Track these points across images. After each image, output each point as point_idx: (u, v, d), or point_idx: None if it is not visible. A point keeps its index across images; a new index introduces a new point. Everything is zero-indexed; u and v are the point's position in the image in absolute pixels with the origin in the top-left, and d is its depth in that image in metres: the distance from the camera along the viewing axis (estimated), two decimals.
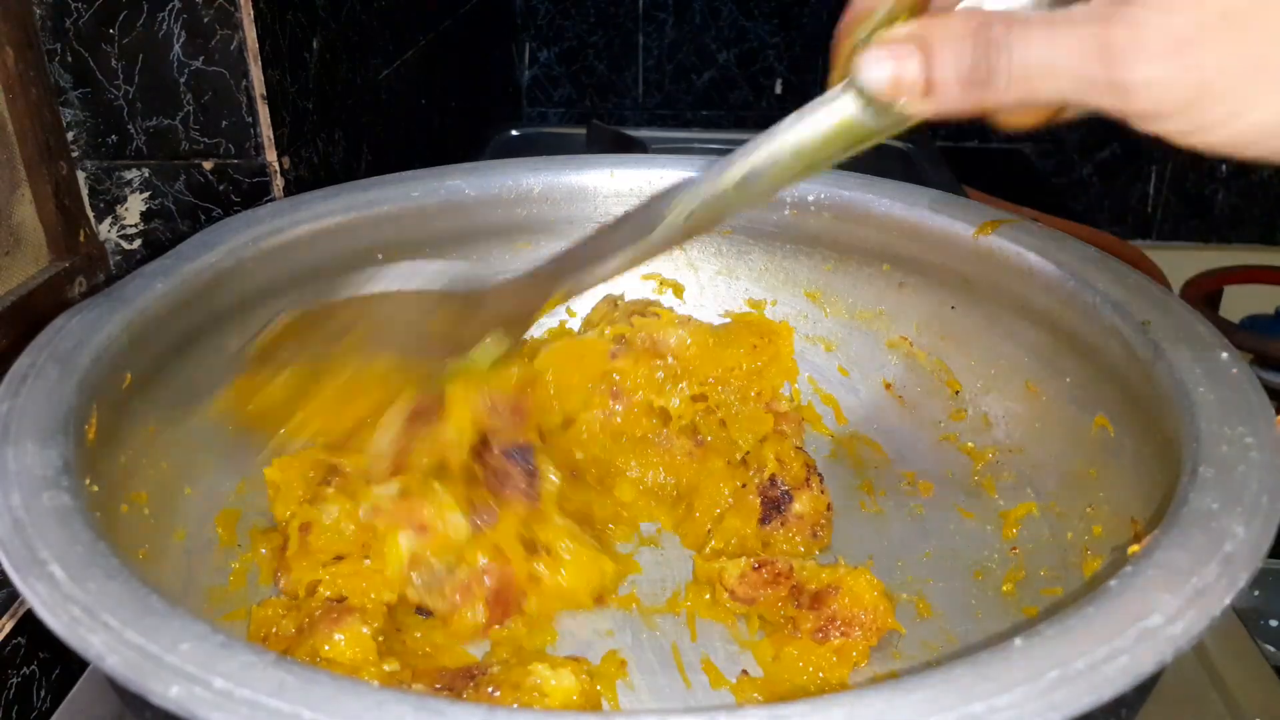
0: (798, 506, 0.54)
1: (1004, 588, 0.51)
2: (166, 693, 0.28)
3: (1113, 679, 0.29)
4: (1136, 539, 0.47)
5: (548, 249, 0.65)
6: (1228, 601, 0.32)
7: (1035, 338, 0.55)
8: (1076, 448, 0.52)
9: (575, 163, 0.64)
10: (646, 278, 0.66)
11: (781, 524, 0.54)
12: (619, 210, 0.64)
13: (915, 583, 0.52)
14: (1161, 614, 0.31)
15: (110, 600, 0.31)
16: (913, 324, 0.61)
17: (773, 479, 0.54)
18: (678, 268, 0.67)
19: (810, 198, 0.62)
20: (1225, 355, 0.44)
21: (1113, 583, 0.33)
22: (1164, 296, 0.49)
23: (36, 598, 0.31)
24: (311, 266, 0.58)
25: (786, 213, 0.63)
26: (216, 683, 0.28)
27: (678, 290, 0.67)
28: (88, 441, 0.42)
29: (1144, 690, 0.33)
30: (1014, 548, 0.53)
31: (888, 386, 0.62)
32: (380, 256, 0.61)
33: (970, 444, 0.58)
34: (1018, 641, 0.30)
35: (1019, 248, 0.54)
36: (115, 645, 0.30)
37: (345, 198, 0.59)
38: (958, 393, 0.59)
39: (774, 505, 0.54)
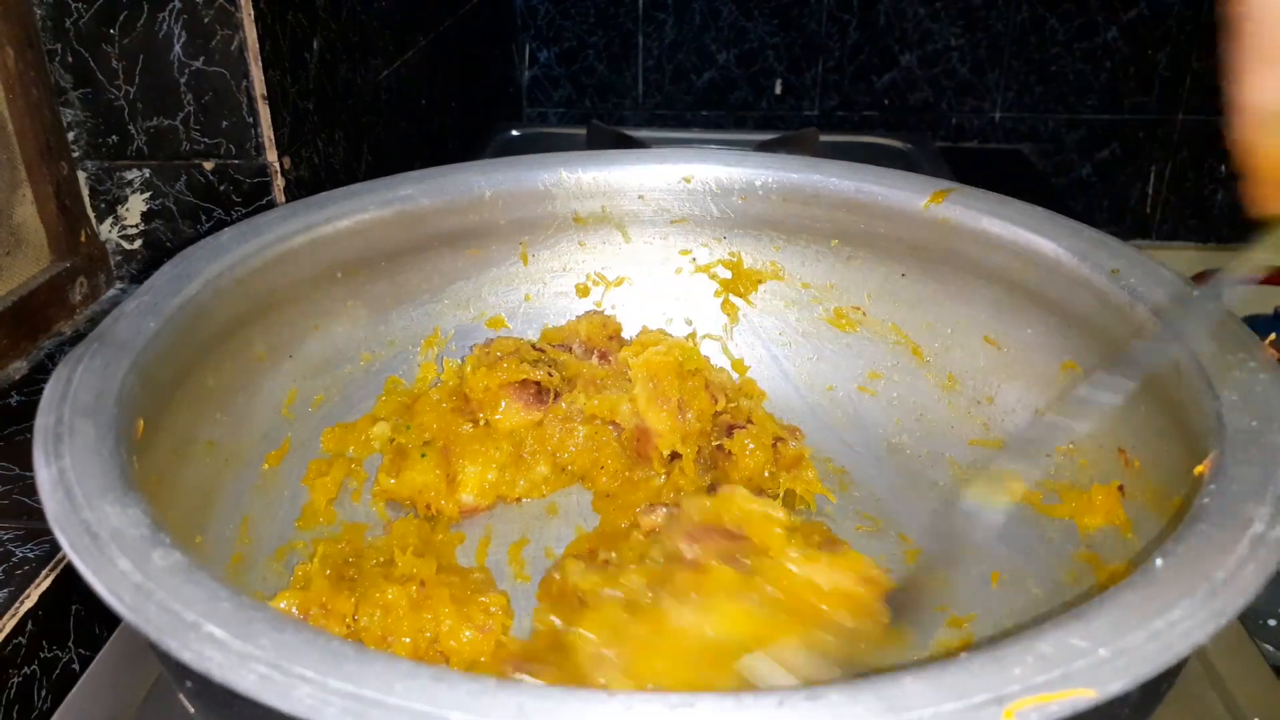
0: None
1: None
2: None
3: (1252, 582, 0.33)
4: (1127, 465, 0.52)
5: (497, 253, 0.65)
6: None
7: (992, 296, 0.59)
8: (1045, 391, 0.57)
9: (526, 163, 0.63)
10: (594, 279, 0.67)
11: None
12: (570, 211, 0.65)
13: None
14: (1261, 522, 0.35)
15: (293, 651, 0.30)
16: (865, 294, 0.65)
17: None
18: (625, 262, 0.67)
19: (758, 182, 0.64)
20: (1197, 293, 0.49)
21: (1206, 500, 0.36)
22: (1120, 245, 0.54)
23: (211, 662, 0.29)
24: (278, 290, 0.56)
25: (735, 199, 0.65)
26: (454, 716, 0.28)
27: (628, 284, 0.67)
28: None
29: (1175, 672, 0.36)
30: None
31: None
32: (340, 275, 0.59)
33: (935, 398, 0.62)
34: (1159, 562, 0.33)
35: (972, 213, 0.58)
36: (325, 696, 0.28)
37: (302, 217, 0.57)
38: (916, 353, 0.63)
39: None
